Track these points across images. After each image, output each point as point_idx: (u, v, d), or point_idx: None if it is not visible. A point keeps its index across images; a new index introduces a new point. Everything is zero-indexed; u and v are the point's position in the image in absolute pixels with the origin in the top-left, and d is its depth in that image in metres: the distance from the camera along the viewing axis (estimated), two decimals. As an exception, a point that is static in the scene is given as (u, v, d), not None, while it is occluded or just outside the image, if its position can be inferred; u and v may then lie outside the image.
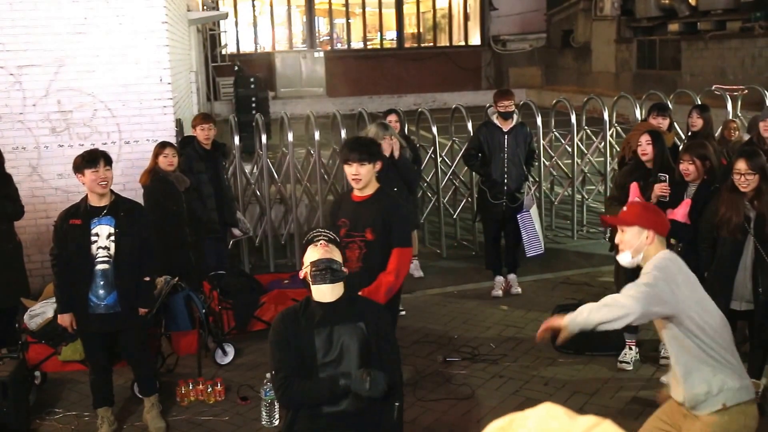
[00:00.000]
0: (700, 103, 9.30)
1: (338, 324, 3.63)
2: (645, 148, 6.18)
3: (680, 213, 5.82)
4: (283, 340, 3.65)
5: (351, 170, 4.91)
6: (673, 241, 5.88)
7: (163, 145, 7.25)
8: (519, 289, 8.29)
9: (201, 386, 6.14)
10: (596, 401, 5.92)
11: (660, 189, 5.94)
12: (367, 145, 5.00)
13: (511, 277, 8.39)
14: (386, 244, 4.93)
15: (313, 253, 3.68)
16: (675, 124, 8.84)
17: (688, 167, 5.77)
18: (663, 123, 7.64)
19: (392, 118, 8.35)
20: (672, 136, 7.67)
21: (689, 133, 8.31)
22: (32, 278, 7.70)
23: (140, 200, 6.58)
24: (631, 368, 6.41)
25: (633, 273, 6.20)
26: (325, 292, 3.65)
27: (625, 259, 3.84)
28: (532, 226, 8.15)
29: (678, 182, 5.89)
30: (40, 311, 6.07)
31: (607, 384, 6.20)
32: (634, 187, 6.16)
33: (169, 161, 7.14)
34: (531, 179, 8.82)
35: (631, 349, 6.47)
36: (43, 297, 6.30)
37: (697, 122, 7.80)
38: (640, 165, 6.23)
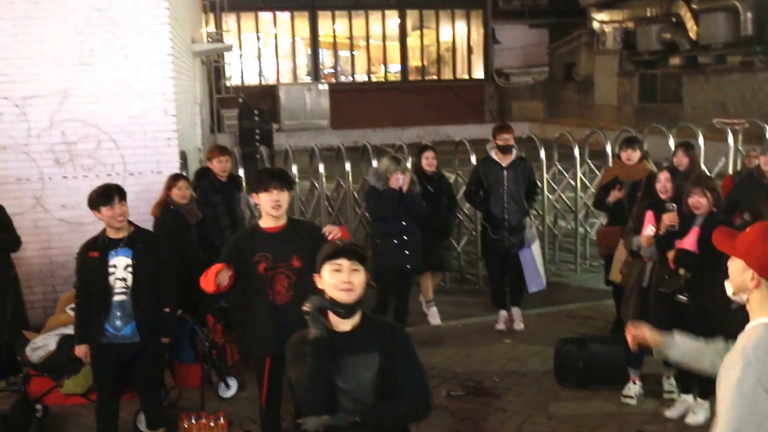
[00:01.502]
0: (702, 134, 9.31)
1: (353, 354, 3.47)
2: (665, 185, 6.10)
3: (689, 241, 5.79)
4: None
5: (271, 197, 4.85)
6: (681, 271, 5.85)
7: (176, 177, 7.24)
8: (522, 325, 8.26)
9: (204, 420, 6.09)
10: (600, 436, 5.88)
11: (669, 219, 5.84)
12: (284, 174, 5.05)
13: (515, 310, 8.35)
14: (312, 271, 4.89)
15: (335, 280, 3.48)
16: (668, 154, 8.82)
17: (699, 200, 5.71)
18: (633, 155, 7.61)
19: (429, 154, 8.31)
20: (643, 167, 7.58)
21: None
22: (34, 310, 7.69)
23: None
24: (634, 402, 6.36)
25: (643, 302, 6.18)
26: (343, 323, 3.54)
27: (727, 290, 2.97)
28: (533, 262, 8.13)
29: (685, 215, 5.83)
30: (42, 344, 6.05)
31: (610, 418, 6.15)
32: (649, 216, 6.14)
33: (182, 194, 7.12)
34: (534, 212, 8.79)
35: (635, 383, 6.43)
36: (45, 329, 6.28)
37: (683, 161, 7.57)
38: (658, 201, 6.16)
